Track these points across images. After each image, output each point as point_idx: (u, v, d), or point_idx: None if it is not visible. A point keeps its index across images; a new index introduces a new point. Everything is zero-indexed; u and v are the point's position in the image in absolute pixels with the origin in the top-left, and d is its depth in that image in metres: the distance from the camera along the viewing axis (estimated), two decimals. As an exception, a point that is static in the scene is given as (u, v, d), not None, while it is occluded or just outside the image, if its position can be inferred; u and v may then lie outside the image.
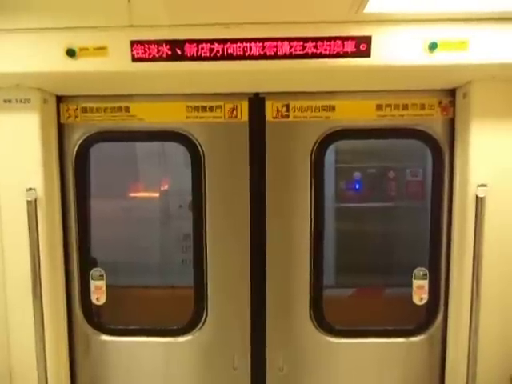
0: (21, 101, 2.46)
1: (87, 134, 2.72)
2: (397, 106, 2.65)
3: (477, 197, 2.42)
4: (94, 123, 2.70)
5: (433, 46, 2.10)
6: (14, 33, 2.13)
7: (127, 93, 2.65)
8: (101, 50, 2.14)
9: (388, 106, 2.65)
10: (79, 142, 2.72)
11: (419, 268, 2.75)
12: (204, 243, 2.75)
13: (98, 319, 2.87)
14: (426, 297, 2.76)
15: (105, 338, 2.88)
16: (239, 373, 2.83)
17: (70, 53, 2.14)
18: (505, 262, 2.51)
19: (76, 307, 2.84)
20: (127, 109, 2.68)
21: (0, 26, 2.11)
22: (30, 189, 2.47)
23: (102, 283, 2.82)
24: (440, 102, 2.64)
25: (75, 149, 2.73)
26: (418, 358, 2.84)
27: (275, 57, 2.16)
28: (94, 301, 2.83)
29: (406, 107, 2.65)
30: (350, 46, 2.13)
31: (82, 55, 2.15)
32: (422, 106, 2.65)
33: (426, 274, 2.75)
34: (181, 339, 2.84)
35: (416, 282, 2.75)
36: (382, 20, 2.08)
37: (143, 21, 2.10)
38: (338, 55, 2.14)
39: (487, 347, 2.52)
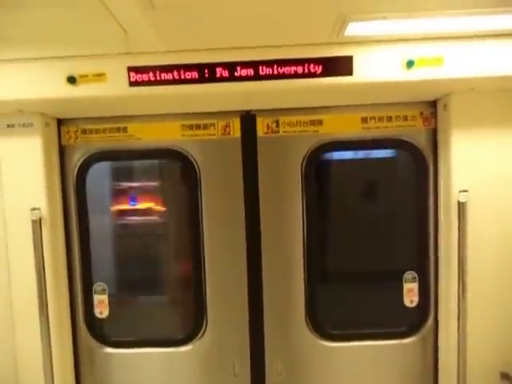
0: (24, 125, 2.58)
1: (87, 155, 2.84)
2: (381, 119, 2.79)
3: (459, 202, 2.55)
4: (93, 144, 2.83)
5: (410, 63, 2.25)
6: (18, 63, 2.26)
7: (125, 114, 2.78)
8: (100, 76, 2.28)
9: (372, 118, 2.79)
10: (80, 162, 2.85)
11: (409, 271, 2.87)
12: (202, 255, 2.86)
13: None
14: (416, 299, 2.88)
15: (108, 350, 2.97)
16: (240, 379, 2.92)
17: (71, 80, 2.27)
18: (489, 263, 2.62)
19: (80, 321, 2.94)
20: (125, 129, 2.81)
21: (5, 57, 2.25)
22: (35, 208, 2.58)
23: (104, 297, 2.92)
24: (421, 114, 2.79)
25: (76, 169, 2.85)
26: (411, 359, 2.93)
27: (264, 78, 2.30)
28: (97, 314, 2.93)
29: (389, 119, 2.79)
30: (332, 66, 2.27)
31: (82, 82, 2.28)
32: (405, 118, 2.79)
33: (415, 278, 2.87)
34: (182, 349, 2.94)
35: (406, 285, 2.87)
36: (361, 41, 2.23)
37: (139, 48, 2.25)
38: (322, 74, 2.28)
39: (477, 346, 2.63)
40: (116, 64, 2.27)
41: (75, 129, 2.82)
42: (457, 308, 2.61)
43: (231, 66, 2.28)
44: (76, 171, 2.85)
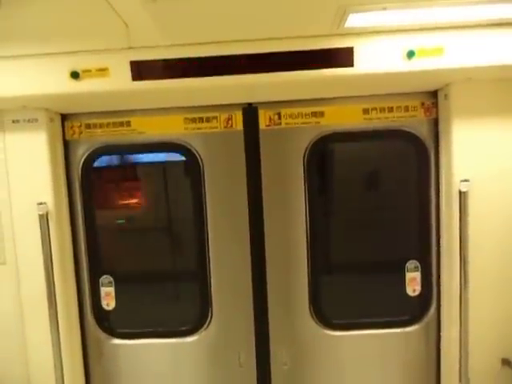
0: (28, 121, 2.61)
1: (91, 149, 2.87)
2: (382, 109, 2.80)
3: (460, 191, 2.57)
4: (97, 138, 2.85)
5: (410, 54, 2.26)
6: (21, 59, 2.29)
7: (128, 108, 2.80)
8: (102, 71, 2.30)
9: (374, 109, 2.80)
10: (84, 156, 2.88)
11: (411, 261, 2.90)
12: (206, 247, 2.90)
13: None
14: (418, 288, 2.91)
15: (116, 341, 3.02)
16: (245, 369, 2.97)
17: (74, 75, 2.30)
18: (491, 252, 2.65)
19: (88, 313, 2.99)
20: (128, 123, 2.84)
21: (8, 53, 2.27)
22: (41, 203, 2.62)
23: (111, 289, 2.97)
24: (423, 104, 2.80)
25: (80, 163, 2.88)
26: (414, 347, 2.97)
27: (266, 70, 2.32)
28: (104, 306, 2.98)
29: (391, 110, 2.80)
30: (333, 58, 2.29)
31: (85, 77, 2.31)
32: (406, 108, 2.80)
33: (417, 267, 2.90)
34: (188, 339, 2.98)
35: (408, 275, 2.90)
36: (362, 32, 2.24)
37: (141, 42, 2.26)
38: (323, 66, 2.30)
39: (478, 333, 2.67)
40: (118, 58, 2.29)
41: (79, 124, 2.85)
42: (459, 297, 2.64)
43: (233, 59, 2.30)
44: (81, 165, 2.89)
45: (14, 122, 2.61)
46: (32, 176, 2.65)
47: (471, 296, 2.62)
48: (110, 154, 2.96)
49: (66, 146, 2.87)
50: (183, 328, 3.00)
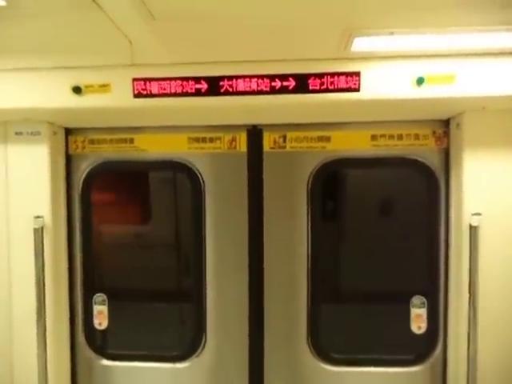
0: (31, 133, 2.61)
1: (93, 165, 2.85)
2: (391, 137, 2.71)
3: (470, 225, 2.44)
4: (100, 154, 2.84)
5: (420, 81, 2.19)
6: (25, 72, 2.30)
7: (130, 125, 2.78)
8: (105, 87, 2.29)
9: (383, 136, 2.71)
10: (86, 171, 2.86)
11: (417, 296, 2.75)
12: (204, 270, 2.82)
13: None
14: (424, 326, 2.76)
15: (106, 362, 2.93)
16: None
17: (76, 90, 2.29)
18: (501, 289, 2.51)
19: (79, 332, 2.92)
20: (131, 140, 2.81)
21: (13, 66, 2.29)
22: (38, 216, 2.59)
23: (103, 308, 2.89)
24: (434, 132, 2.70)
25: (82, 178, 2.86)
26: None
27: (270, 92, 2.27)
28: (96, 326, 2.90)
29: (400, 137, 2.71)
30: (339, 82, 2.23)
31: (87, 92, 2.30)
32: (417, 136, 2.71)
33: (423, 303, 2.75)
34: (180, 365, 2.88)
35: (414, 311, 2.75)
36: (369, 57, 2.18)
37: (144, 60, 2.25)
38: (328, 90, 2.24)
39: (487, 376, 2.50)
40: (121, 75, 2.28)
41: (82, 138, 2.83)
42: (467, 336, 2.49)
43: (237, 80, 2.26)
44: (82, 180, 2.86)
45: (17, 133, 2.61)
46: (31, 188, 2.63)
47: (480, 336, 2.47)
48: (111, 171, 2.93)
49: (69, 160, 2.85)
50: (175, 353, 2.89)
